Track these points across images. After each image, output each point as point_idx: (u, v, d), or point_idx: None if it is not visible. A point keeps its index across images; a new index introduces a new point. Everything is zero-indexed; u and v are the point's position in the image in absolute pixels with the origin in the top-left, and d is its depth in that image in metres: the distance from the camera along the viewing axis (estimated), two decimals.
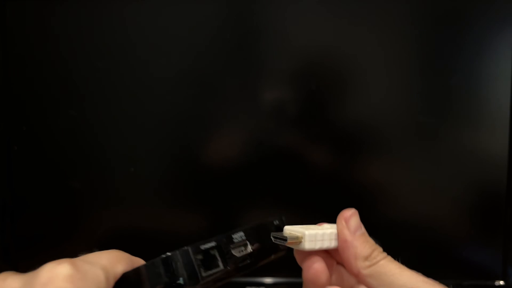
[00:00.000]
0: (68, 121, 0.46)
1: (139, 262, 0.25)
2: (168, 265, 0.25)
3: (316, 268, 0.28)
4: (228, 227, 0.48)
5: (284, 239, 0.28)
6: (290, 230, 0.29)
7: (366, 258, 0.27)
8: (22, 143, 0.46)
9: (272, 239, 0.29)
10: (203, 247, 0.27)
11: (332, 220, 0.31)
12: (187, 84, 0.46)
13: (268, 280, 0.46)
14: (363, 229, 0.28)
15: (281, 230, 0.29)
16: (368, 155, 0.46)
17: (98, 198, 0.47)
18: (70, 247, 0.46)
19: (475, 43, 0.45)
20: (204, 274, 0.27)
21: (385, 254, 0.27)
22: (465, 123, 0.45)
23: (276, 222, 0.30)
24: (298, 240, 0.28)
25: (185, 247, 0.26)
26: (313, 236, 0.28)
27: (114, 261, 0.23)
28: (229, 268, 0.28)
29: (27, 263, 0.45)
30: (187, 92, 0.46)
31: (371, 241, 0.27)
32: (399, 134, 0.46)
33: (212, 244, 0.27)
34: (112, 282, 0.22)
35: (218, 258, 0.28)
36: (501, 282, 0.47)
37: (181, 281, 0.25)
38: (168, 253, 0.25)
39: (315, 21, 0.45)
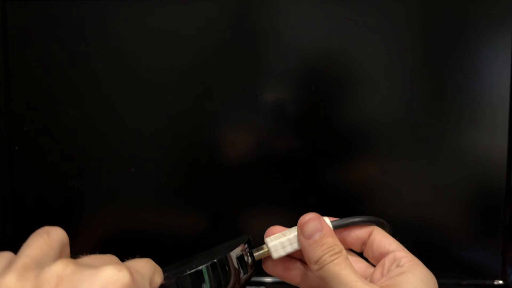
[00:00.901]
0: (69, 121, 0.46)
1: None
2: (209, 273, 0.26)
3: None
4: (228, 227, 0.48)
5: (253, 257, 0.31)
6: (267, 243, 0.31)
7: (316, 262, 0.28)
8: (23, 143, 0.46)
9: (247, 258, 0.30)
10: (237, 253, 0.29)
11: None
12: (187, 84, 0.46)
13: (268, 279, 0.46)
14: (322, 232, 0.28)
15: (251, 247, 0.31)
16: (368, 155, 0.46)
17: (98, 198, 0.47)
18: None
19: (475, 43, 0.45)
20: (242, 278, 0.28)
21: (335, 257, 0.27)
22: (465, 123, 0.46)
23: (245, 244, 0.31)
24: (266, 254, 0.31)
25: (222, 255, 0.27)
26: (277, 246, 0.30)
27: (155, 273, 0.24)
28: (248, 274, 0.30)
29: None
30: (188, 92, 0.46)
31: (327, 244, 0.28)
32: (399, 134, 0.46)
33: (242, 250, 0.29)
34: None
35: (242, 263, 0.29)
36: (500, 282, 0.47)
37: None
38: (205, 265, 0.26)
39: (315, 21, 0.45)
